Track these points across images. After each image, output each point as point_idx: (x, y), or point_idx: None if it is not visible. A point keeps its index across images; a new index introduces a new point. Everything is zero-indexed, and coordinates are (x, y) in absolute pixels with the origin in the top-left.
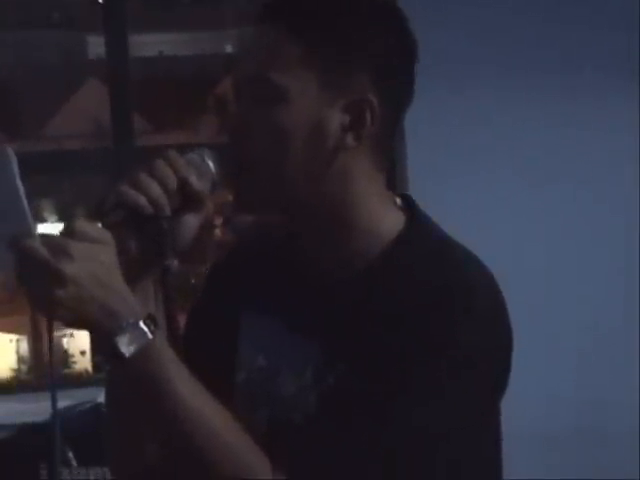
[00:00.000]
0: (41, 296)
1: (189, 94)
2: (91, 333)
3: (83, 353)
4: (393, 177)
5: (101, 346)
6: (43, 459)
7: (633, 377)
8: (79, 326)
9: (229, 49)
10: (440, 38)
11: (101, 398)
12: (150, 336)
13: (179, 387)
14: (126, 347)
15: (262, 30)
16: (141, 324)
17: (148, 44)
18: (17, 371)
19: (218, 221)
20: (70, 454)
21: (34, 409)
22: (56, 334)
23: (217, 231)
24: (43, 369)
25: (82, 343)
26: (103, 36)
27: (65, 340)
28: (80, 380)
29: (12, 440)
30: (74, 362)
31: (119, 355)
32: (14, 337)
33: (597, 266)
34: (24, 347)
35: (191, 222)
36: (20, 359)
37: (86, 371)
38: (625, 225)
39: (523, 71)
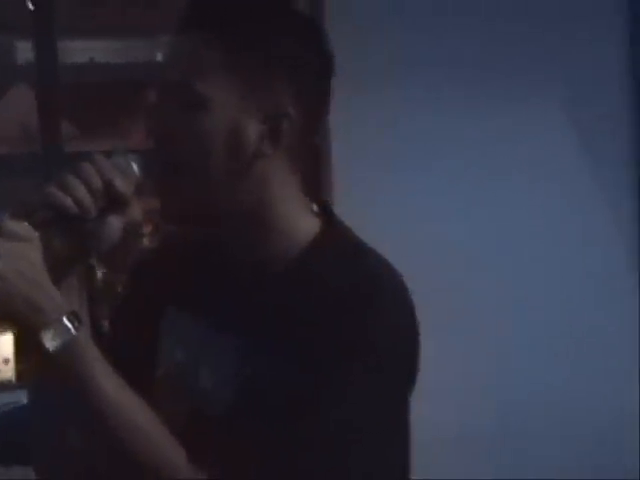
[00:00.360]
0: None
1: (118, 101)
2: (17, 327)
3: (6, 361)
4: (317, 183)
5: (27, 341)
6: None
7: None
8: (5, 320)
9: (159, 57)
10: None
11: (25, 400)
12: (74, 332)
13: (102, 382)
14: (50, 342)
15: (184, 39)
16: (65, 320)
17: (78, 50)
18: None
19: (147, 229)
20: None
21: None
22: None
23: (145, 239)
24: None
25: (5, 351)
26: (31, 41)
27: None
28: (3, 387)
29: None
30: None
31: (43, 349)
32: None
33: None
34: None
35: (115, 223)
36: None
37: (9, 381)
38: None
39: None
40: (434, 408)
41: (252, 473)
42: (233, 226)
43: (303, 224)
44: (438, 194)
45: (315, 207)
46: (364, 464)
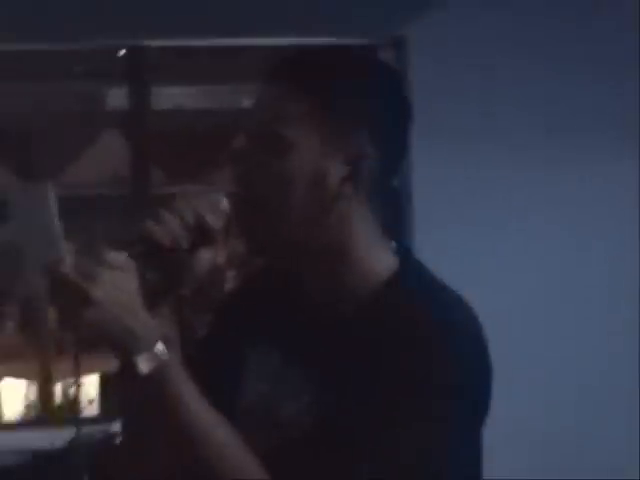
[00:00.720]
0: (70, 316)
1: (205, 147)
2: (111, 351)
3: (91, 402)
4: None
5: (121, 365)
6: None
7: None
8: (102, 345)
9: (245, 103)
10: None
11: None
12: (165, 357)
13: (191, 403)
14: (144, 365)
15: (272, 88)
16: (158, 345)
17: (166, 96)
18: (27, 413)
19: (230, 273)
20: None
21: (47, 438)
22: (64, 383)
23: (227, 278)
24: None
25: (91, 393)
26: (122, 88)
27: (72, 389)
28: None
29: (28, 465)
30: (82, 409)
31: (137, 373)
32: (24, 382)
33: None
34: (33, 392)
35: (205, 256)
36: (29, 404)
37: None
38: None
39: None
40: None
41: None
42: (313, 263)
43: (381, 262)
44: (515, 249)
45: (394, 245)
46: None
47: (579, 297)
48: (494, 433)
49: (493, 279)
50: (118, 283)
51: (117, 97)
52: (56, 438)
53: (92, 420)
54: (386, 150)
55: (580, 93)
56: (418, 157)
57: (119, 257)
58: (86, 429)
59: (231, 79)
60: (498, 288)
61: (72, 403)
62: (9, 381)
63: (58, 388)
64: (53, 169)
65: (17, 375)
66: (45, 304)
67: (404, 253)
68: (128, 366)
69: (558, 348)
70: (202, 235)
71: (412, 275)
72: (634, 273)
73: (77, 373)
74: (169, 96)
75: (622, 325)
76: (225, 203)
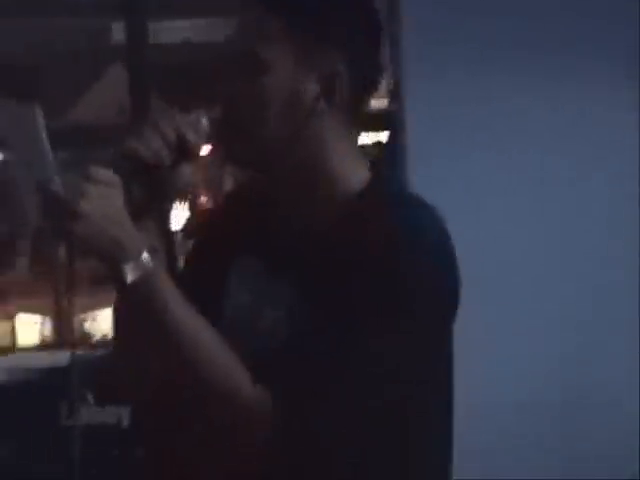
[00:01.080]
0: (61, 230)
1: (210, 79)
2: (100, 261)
3: (104, 336)
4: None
5: (110, 274)
6: (63, 399)
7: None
8: (91, 255)
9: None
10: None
11: None
12: (150, 265)
13: (177, 309)
14: (130, 274)
15: (248, 10)
16: (144, 255)
17: (172, 30)
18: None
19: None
20: (89, 395)
21: (54, 358)
22: (79, 317)
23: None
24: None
25: (104, 326)
26: (126, 22)
27: (87, 323)
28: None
29: (34, 381)
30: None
31: (124, 280)
32: (38, 318)
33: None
34: (48, 328)
35: (187, 171)
36: (43, 340)
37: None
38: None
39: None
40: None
41: (307, 398)
42: (290, 178)
43: (354, 176)
44: (510, 170)
45: (368, 163)
46: (397, 395)
47: (578, 227)
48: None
49: (491, 209)
50: (105, 197)
51: (121, 31)
52: (64, 358)
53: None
54: (358, 68)
55: (580, 19)
56: (412, 83)
57: (105, 173)
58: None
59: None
60: (495, 218)
61: (85, 337)
62: (23, 317)
63: (71, 322)
64: (59, 105)
65: (31, 311)
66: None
67: (378, 169)
68: (116, 275)
69: (556, 280)
70: (183, 152)
71: (382, 190)
72: (634, 203)
73: (72, 268)
74: (175, 30)
75: (622, 254)
76: (205, 122)
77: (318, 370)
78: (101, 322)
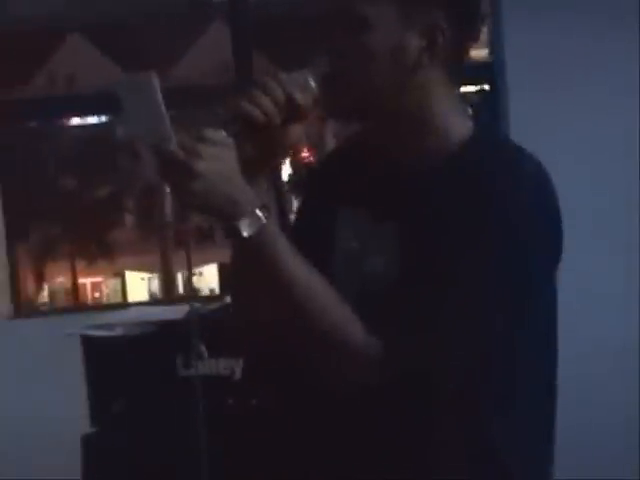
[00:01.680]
0: (178, 189)
1: (307, 32)
2: (217, 218)
3: (212, 291)
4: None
5: (225, 230)
6: (179, 351)
7: None
8: (207, 213)
9: None
10: None
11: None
12: (264, 221)
13: (289, 261)
14: (245, 229)
15: None
16: (257, 211)
17: None
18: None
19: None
20: (202, 347)
21: (169, 312)
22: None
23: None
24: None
25: (211, 282)
26: None
27: (195, 278)
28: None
29: (152, 335)
30: (203, 298)
31: (240, 235)
32: (146, 275)
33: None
34: (155, 285)
35: (296, 130)
36: (151, 296)
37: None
38: None
39: None
40: None
41: (417, 339)
42: (395, 127)
43: (458, 126)
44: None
45: (470, 110)
46: (503, 330)
47: None
48: None
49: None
50: (219, 157)
51: None
52: (176, 312)
53: (214, 298)
54: (459, 21)
55: None
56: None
57: (218, 134)
58: (205, 304)
59: None
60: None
61: (194, 292)
62: (132, 274)
63: (179, 278)
64: (161, 62)
65: (138, 268)
66: (162, 197)
67: (480, 119)
68: (232, 230)
69: None
70: (292, 111)
71: (487, 138)
72: None
73: (188, 259)
74: None
75: None
76: (312, 82)
77: (431, 308)
78: (208, 277)
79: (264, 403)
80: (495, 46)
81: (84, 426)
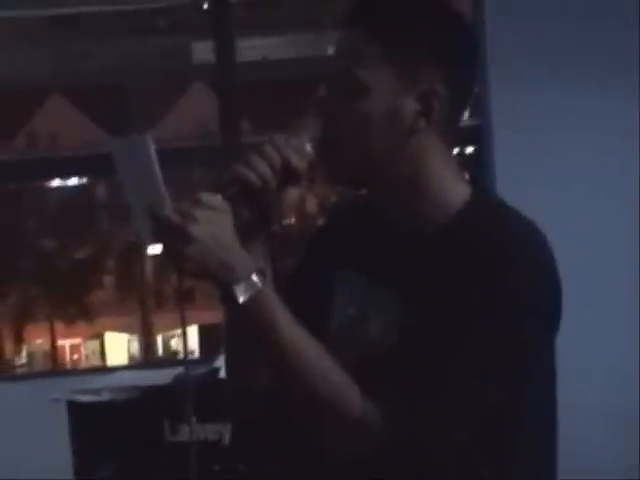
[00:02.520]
0: (173, 253)
1: (291, 96)
2: (212, 283)
3: (191, 353)
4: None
5: (221, 295)
6: (166, 417)
7: None
8: (202, 278)
9: (330, 51)
10: None
11: (217, 363)
12: (260, 286)
13: (284, 327)
14: (241, 295)
15: (347, 33)
16: (253, 276)
17: (251, 48)
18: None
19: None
20: (190, 413)
21: (154, 377)
22: (166, 334)
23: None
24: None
25: (190, 343)
26: (208, 41)
27: (174, 341)
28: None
29: (138, 400)
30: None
31: (235, 301)
32: (125, 336)
33: None
34: (135, 346)
35: (292, 195)
36: (131, 358)
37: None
38: None
39: None
40: None
41: (415, 407)
42: (392, 193)
43: (455, 191)
44: (599, 183)
45: (467, 176)
46: (502, 399)
47: None
48: None
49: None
50: (214, 221)
51: (203, 50)
52: (161, 377)
53: (194, 361)
54: (455, 86)
55: None
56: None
57: (214, 198)
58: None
59: (315, 28)
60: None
61: (173, 354)
62: (111, 335)
63: (159, 340)
64: (143, 123)
65: (119, 329)
66: (143, 258)
67: (477, 183)
68: (227, 296)
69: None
70: (289, 176)
71: (484, 203)
72: None
73: (181, 289)
74: (255, 48)
75: None
76: (308, 146)
77: (428, 379)
78: (189, 339)
79: (252, 469)
80: (483, 109)
81: None
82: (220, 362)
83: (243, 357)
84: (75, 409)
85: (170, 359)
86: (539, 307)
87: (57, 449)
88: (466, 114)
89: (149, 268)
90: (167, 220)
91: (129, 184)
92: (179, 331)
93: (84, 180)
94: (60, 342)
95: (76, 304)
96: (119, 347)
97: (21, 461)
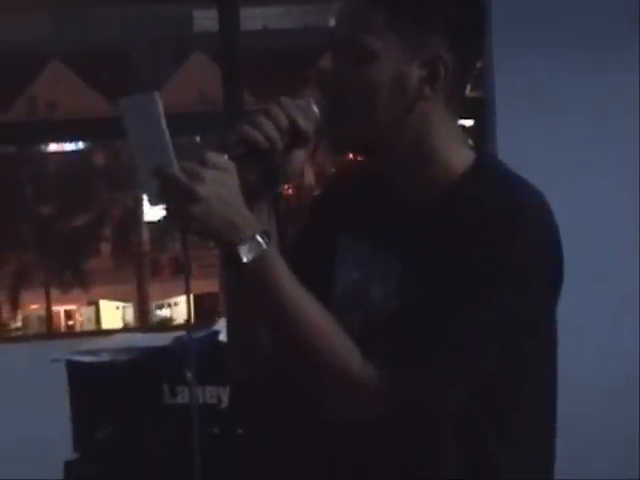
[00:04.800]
0: (179, 212)
1: (292, 66)
2: (217, 243)
3: (186, 322)
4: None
5: (225, 255)
6: (165, 379)
7: None
8: (207, 237)
9: (331, 22)
10: None
11: (217, 327)
12: (265, 246)
13: (288, 288)
14: (245, 255)
15: (352, 1)
16: (258, 237)
17: (253, 17)
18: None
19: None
20: (188, 374)
21: (153, 340)
22: (158, 302)
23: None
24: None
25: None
26: (209, 10)
27: (166, 310)
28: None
29: (138, 361)
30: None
31: (239, 261)
32: (120, 304)
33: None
34: (130, 313)
35: (299, 156)
36: (126, 325)
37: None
38: None
39: None
40: None
41: (415, 371)
42: (396, 159)
43: (459, 158)
44: (599, 150)
45: (470, 142)
46: (502, 364)
47: None
48: None
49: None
50: (221, 181)
51: (203, 19)
52: (159, 340)
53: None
54: (461, 55)
55: None
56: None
57: (221, 158)
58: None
59: None
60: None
61: (164, 322)
62: (106, 302)
63: (153, 308)
64: (143, 91)
65: (114, 297)
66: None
67: (481, 150)
68: (231, 256)
69: None
70: (295, 137)
71: (489, 169)
72: None
73: (186, 253)
74: (257, 17)
75: None
76: (315, 109)
77: (429, 342)
78: (183, 308)
79: (251, 432)
80: (486, 82)
81: (67, 452)
82: (220, 325)
83: (244, 320)
84: (74, 369)
85: (165, 325)
86: (540, 273)
87: (55, 410)
88: (468, 87)
89: (146, 236)
90: (174, 179)
91: (137, 143)
92: (172, 300)
93: (83, 146)
94: (55, 308)
95: (72, 271)
96: (114, 314)
97: (18, 422)
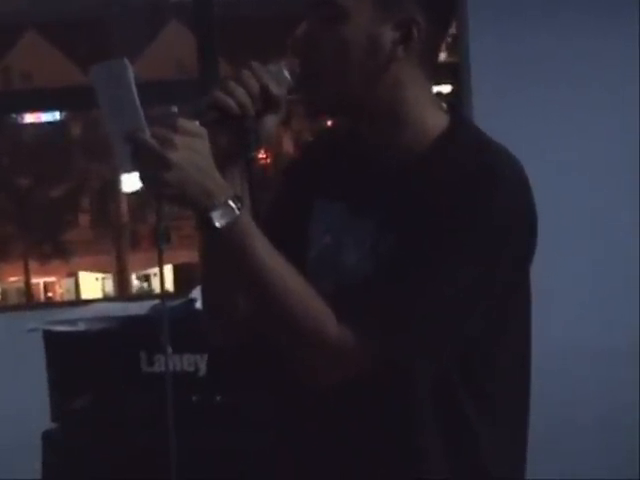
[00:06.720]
0: (151, 178)
1: (269, 34)
2: (190, 209)
3: (166, 292)
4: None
5: (199, 220)
6: (143, 347)
7: None
8: (181, 203)
9: None
10: None
11: (192, 294)
12: (237, 212)
13: (262, 253)
14: (218, 220)
15: None
16: (230, 202)
17: None
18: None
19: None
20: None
21: (131, 308)
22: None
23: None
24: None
25: (165, 282)
26: None
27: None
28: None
29: (115, 330)
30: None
31: (213, 226)
32: (100, 275)
33: None
34: (109, 285)
35: (270, 122)
36: (105, 296)
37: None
38: None
39: None
40: None
41: (391, 332)
42: (371, 121)
43: (433, 120)
44: (572, 111)
45: (445, 105)
46: (478, 330)
47: None
48: None
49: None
50: (192, 147)
51: None
52: (137, 308)
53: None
54: (434, 17)
55: None
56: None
57: (192, 124)
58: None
59: None
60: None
61: (147, 292)
62: (86, 274)
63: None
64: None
65: (93, 268)
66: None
67: (454, 111)
68: (205, 221)
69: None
70: (266, 102)
71: (462, 131)
72: None
73: (159, 218)
74: None
75: None
76: (286, 73)
77: (404, 303)
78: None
79: (229, 399)
80: (460, 48)
81: (44, 422)
82: (196, 293)
83: (220, 286)
84: (51, 339)
85: (145, 294)
86: (513, 234)
87: (33, 381)
88: (444, 52)
89: (124, 207)
90: (145, 145)
91: (108, 110)
92: (153, 270)
93: (60, 117)
94: (34, 280)
95: (51, 242)
96: (93, 285)
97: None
